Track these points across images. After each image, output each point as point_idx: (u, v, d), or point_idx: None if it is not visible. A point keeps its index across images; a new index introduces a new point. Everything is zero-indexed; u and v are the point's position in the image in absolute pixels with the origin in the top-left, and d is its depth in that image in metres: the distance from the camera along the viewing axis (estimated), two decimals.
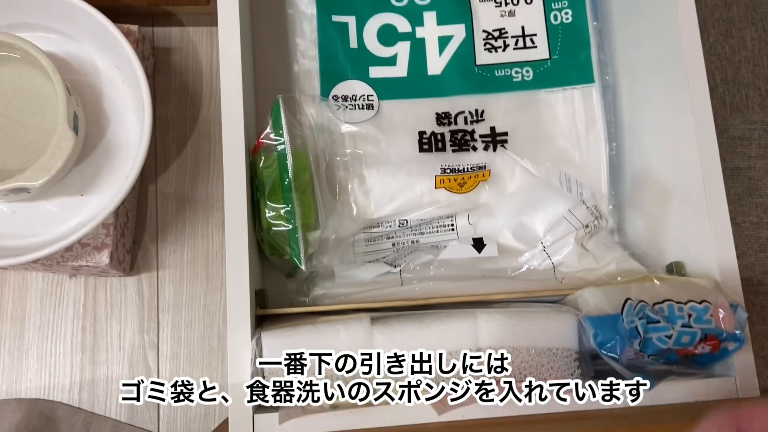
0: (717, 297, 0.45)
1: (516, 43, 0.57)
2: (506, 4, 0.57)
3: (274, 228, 0.47)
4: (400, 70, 0.56)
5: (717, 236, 0.47)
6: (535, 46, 0.57)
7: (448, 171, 0.54)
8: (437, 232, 0.54)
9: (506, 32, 0.57)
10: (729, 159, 0.74)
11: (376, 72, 0.56)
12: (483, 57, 0.57)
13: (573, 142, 0.56)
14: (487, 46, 0.57)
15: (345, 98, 0.55)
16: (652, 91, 0.55)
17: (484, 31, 0.57)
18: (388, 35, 0.56)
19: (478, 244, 0.51)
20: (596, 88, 0.56)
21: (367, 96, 0.55)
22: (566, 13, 0.57)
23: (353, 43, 0.56)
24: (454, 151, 0.55)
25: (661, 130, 0.54)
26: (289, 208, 0.46)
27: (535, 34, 0.57)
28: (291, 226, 0.46)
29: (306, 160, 0.48)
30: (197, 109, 0.67)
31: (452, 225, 0.54)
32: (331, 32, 0.56)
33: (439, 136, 0.55)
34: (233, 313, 0.43)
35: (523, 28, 0.57)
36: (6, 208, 0.57)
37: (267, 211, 0.46)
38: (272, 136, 0.48)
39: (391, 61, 0.56)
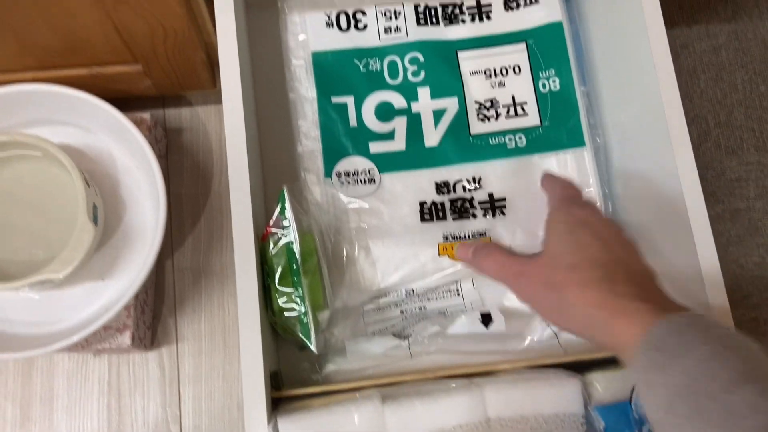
0: None
1: (507, 112, 0.59)
2: (496, 75, 0.60)
3: (285, 313, 0.49)
4: (399, 144, 0.59)
5: (710, 289, 0.48)
6: (526, 114, 0.59)
7: (450, 239, 0.57)
8: (443, 297, 0.56)
9: (497, 102, 0.59)
10: (728, 201, 0.75)
11: (375, 147, 0.59)
12: (477, 127, 0.59)
13: None
14: (480, 116, 0.59)
15: (347, 174, 0.58)
16: (640, 150, 0.56)
17: (476, 102, 0.59)
18: (385, 112, 0.59)
19: (486, 319, 0.53)
20: (587, 151, 0.58)
21: (369, 170, 0.58)
22: (554, 81, 0.59)
23: (353, 122, 0.59)
24: (454, 219, 0.57)
25: (650, 188, 0.55)
26: (299, 293, 0.48)
27: (526, 103, 0.59)
28: (302, 310, 0.48)
29: (313, 243, 0.51)
30: (209, 185, 0.70)
31: (458, 290, 0.56)
32: (331, 113, 0.59)
33: (439, 206, 0.57)
34: (249, 398, 0.45)
35: (513, 97, 0.59)
36: (32, 295, 0.60)
37: (278, 296, 0.49)
38: (281, 224, 0.50)
39: (390, 136, 0.59)
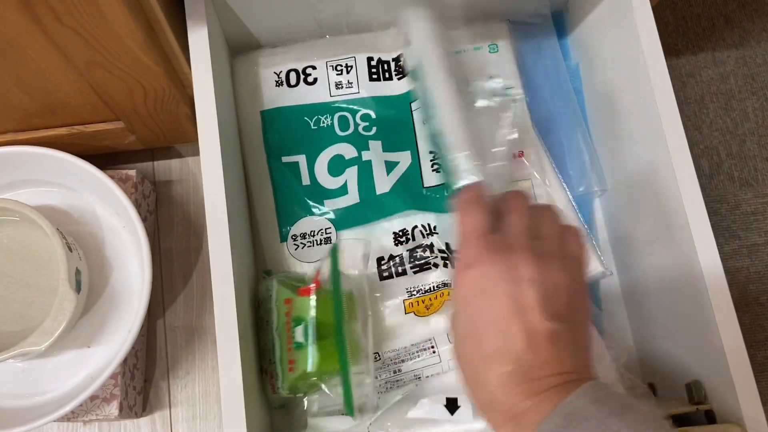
0: None
1: None
2: None
3: (314, 375, 0.47)
4: (352, 197, 0.56)
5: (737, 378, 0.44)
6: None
7: (415, 293, 0.54)
8: (418, 356, 0.52)
9: None
10: (745, 236, 0.72)
11: (330, 204, 0.56)
12: (430, 179, 0.56)
13: None
14: (435, 167, 0.56)
15: (303, 236, 0.55)
16: (642, 194, 0.53)
17: (430, 152, 0.56)
18: (336, 166, 0.56)
19: (452, 405, 0.48)
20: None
21: (325, 229, 0.55)
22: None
23: (305, 180, 0.56)
24: (415, 272, 0.54)
25: (655, 231, 0.52)
26: (343, 352, 0.47)
27: None
28: (342, 372, 0.47)
29: (354, 301, 0.50)
30: (200, 238, 0.68)
31: (433, 348, 0.53)
32: (283, 174, 0.56)
33: (398, 260, 0.54)
34: None
35: None
36: (17, 364, 0.57)
37: (315, 353, 0.47)
38: (328, 280, 0.49)
39: (342, 190, 0.56)
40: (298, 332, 0.49)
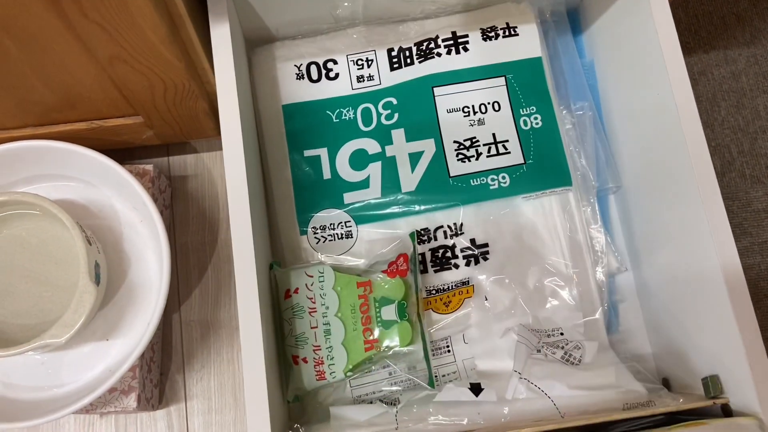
0: None
1: (489, 151, 0.56)
2: (474, 112, 0.57)
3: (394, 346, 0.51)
4: (374, 191, 0.56)
5: (749, 351, 0.45)
6: (509, 152, 0.56)
7: (434, 292, 0.54)
8: (433, 355, 0.53)
9: (477, 141, 0.56)
10: (756, 233, 0.72)
11: (350, 197, 0.56)
12: (456, 167, 0.56)
13: (557, 251, 0.55)
14: (460, 156, 0.56)
15: (323, 228, 0.55)
16: (660, 189, 0.54)
17: (455, 141, 0.56)
18: (359, 160, 0.56)
19: (476, 388, 0.49)
20: (573, 193, 0.56)
21: (345, 223, 0.55)
22: (536, 119, 0.56)
23: (326, 174, 0.56)
24: (436, 271, 0.55)
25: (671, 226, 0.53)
26: (420, 328, 0.51)
27: (507, 140, 0.56)
28: (422, 345, 0.51)
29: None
30: (215, 233, 0.68)
31: (448, 347, 0.53)
32: (303, 167, 0.56)
33: (419, 258, 0.55)
34: None
35: (494, 135, 0.56)
36: (36, 357, 0.58)
37: (409, 330, 0.51)
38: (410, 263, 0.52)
39: (364, 183, 0.56)
40: (389, 311, 0.51)
